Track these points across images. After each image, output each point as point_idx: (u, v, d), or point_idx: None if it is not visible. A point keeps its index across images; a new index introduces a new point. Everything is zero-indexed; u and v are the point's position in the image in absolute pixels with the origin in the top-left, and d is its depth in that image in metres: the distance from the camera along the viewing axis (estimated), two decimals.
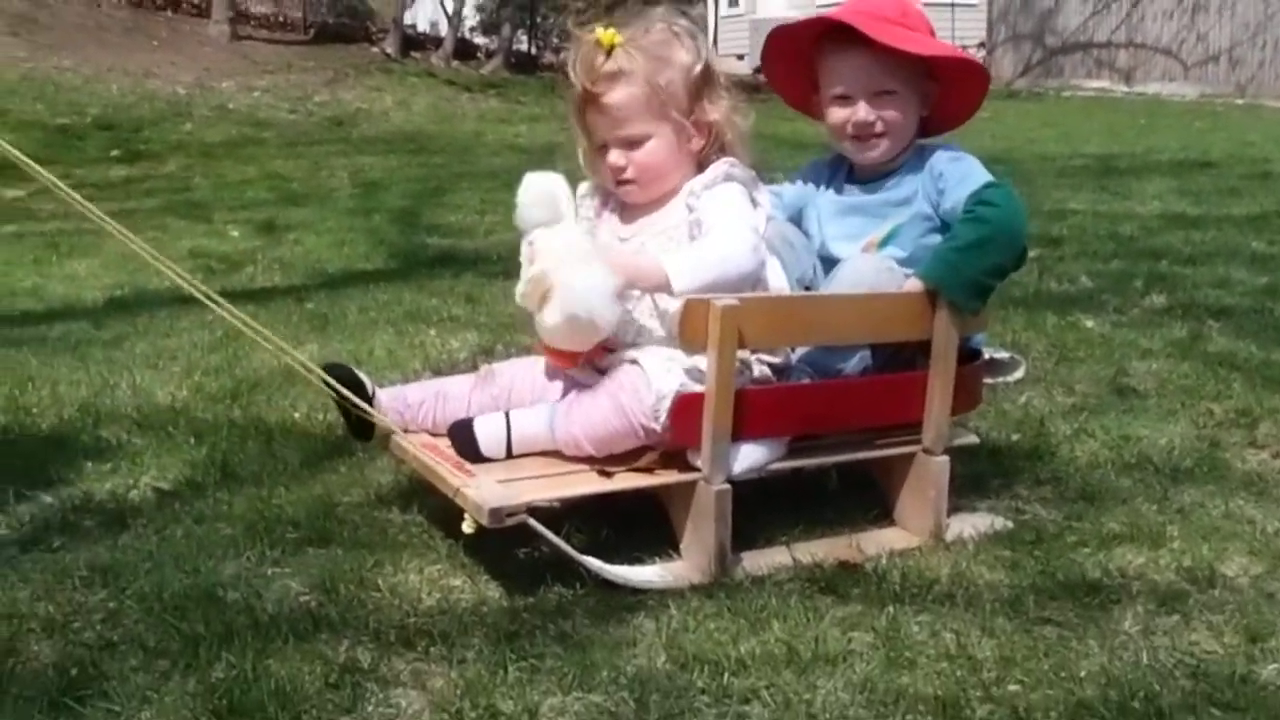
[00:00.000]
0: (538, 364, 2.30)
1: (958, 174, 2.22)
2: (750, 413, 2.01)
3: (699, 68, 2.19)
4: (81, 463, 2.67)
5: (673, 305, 2.04)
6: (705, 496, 2.05)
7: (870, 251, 2.27)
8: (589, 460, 2.11)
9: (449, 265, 5.44)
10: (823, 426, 2.16)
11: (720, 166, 2.17)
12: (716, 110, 2.20)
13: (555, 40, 21.82)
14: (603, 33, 2.17)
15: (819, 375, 2.19)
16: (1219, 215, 6.80)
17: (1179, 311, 4.25)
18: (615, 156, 2.20)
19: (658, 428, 2.05)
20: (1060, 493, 2.54)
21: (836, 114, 2.30)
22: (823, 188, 2.40)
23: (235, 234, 6.46)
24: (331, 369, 2.17)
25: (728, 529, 2.06)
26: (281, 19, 20.98)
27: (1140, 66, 21.45)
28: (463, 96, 16.01)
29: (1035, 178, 8.56)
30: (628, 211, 2.28)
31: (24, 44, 14.66)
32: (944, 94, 2.32)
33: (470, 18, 23.82)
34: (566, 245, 2.04)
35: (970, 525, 2.29)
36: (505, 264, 5.46)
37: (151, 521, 2.33)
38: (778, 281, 2.22)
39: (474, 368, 3.36)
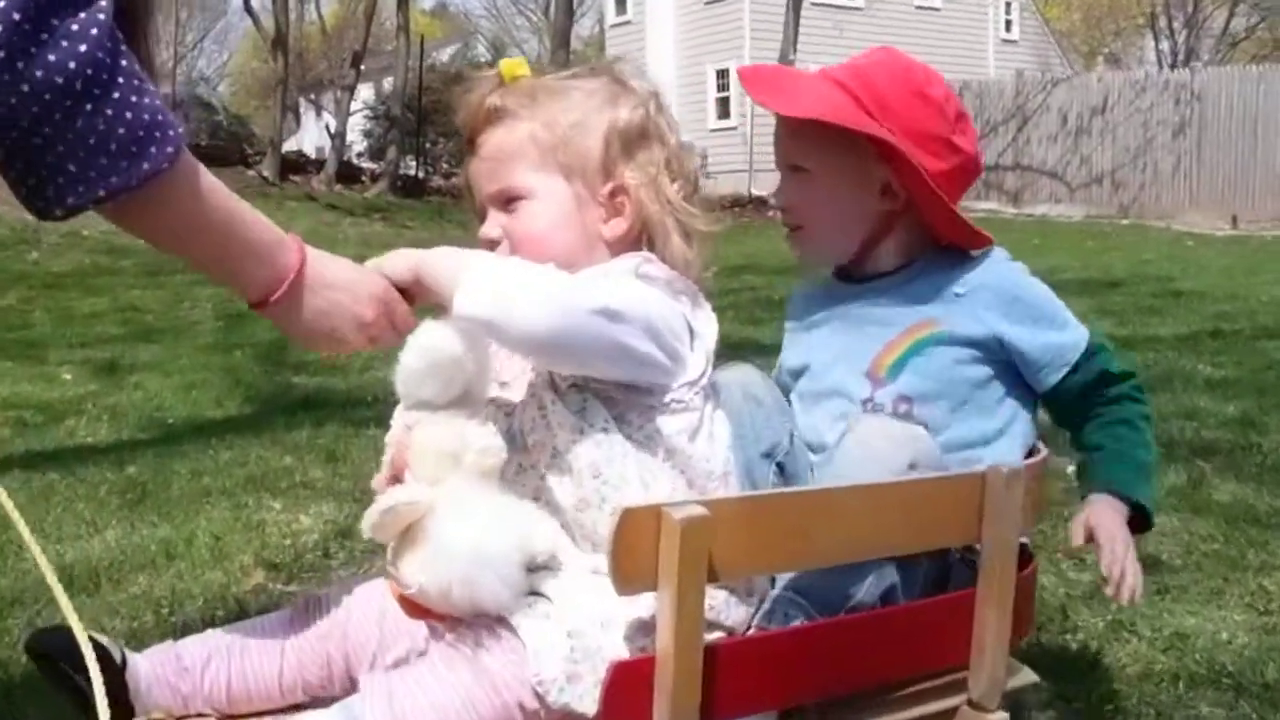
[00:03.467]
0: (387, 593, 1.45)
1: (1049, 307, 1.61)
2: (721, 680, 1.28)
3: (632, 119, 1.48)
4: None
5: (599, 525, 1.30)
6: None
7: (878, 380, 1.59)
8: None
9: (313, 410, 4.69)
10: (829, 689, 1.42)
11: (629, 259, 1.44)
12: (637, 176, 1.47)
13: (445, 165, 21.49)
14: (508, 62, 1.50)
15: (819, 610, 1.41)
16: (1148, 335, 6.68)
17: (1161, 450, 3.71)
18: (488, 224, 1.50)
19: (542, 709, 1.29)
20: None
21: None
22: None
23: (68, 377, 5.64)
24: (42, 640, 1.34)
25: None
26: None
27: (1028, 188, 21.73)
28: (345, 221, 15.53)
29: None
30: None
31: None
32: (908, 183, 1.58)
33: (358, 143, 23.49)
34: (459, 458, 1.29)
35: None
36: (380, 407, 4.73)
37: None
38: (727, 454, 1.45)
39: (325, 556, 2.63)
